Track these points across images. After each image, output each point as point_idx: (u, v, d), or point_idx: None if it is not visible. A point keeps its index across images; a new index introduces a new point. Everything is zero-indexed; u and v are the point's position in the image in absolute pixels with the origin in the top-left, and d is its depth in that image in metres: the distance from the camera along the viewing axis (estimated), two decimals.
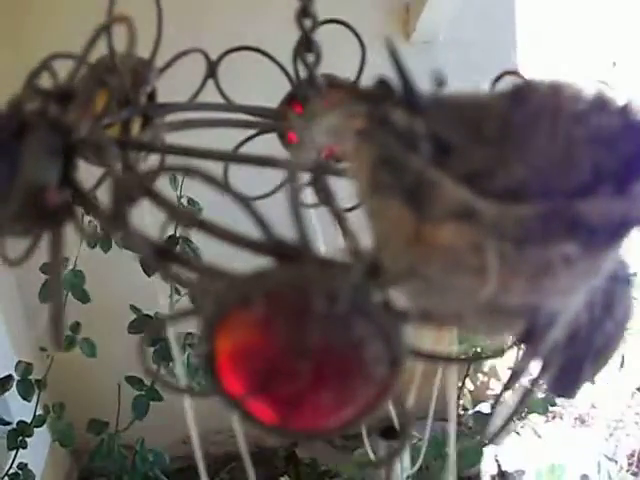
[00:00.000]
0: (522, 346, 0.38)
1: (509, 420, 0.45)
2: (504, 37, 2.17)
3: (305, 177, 0.58)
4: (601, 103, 0.36)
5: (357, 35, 0.62)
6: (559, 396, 0.45)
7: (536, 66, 2.15)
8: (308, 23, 0.50)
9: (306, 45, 0.50)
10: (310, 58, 0.51)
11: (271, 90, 0.67)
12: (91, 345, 1.95)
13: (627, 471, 2.41)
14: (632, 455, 2.44)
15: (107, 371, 2.16)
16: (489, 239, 0.33)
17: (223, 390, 0.37)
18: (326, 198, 0.48)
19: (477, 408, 2.40)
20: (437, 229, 0.34)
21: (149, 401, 1.97)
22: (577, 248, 0.34)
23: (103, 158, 0.40)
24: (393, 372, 0.36)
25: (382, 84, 0.36)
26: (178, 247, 1.70)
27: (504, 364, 2.43)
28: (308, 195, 0.55)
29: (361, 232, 0.42)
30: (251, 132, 0.67)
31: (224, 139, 0.69)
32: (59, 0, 2.13)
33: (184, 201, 1.80)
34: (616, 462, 2.38)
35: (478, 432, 1.90)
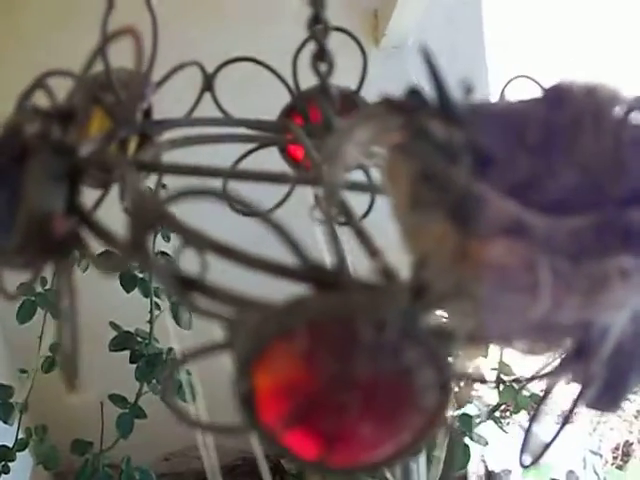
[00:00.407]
0: (568, 364, 0.36)
1: (551, 443, 0.43)
2: (472, 40, 2.17)
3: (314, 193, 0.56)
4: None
5: (359, 44, 0.60)
6: (601, 411, 0.43)
7: (505, 69, 2.15)
8: (320, 31, 0.48)
9: (319, 53, 0.48)
10: (323, 67, 0.49)
11: (269, 102, 0.64)
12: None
13: (612, 464, 2.41)
14: (616, 448, 2.45)
15: (89, 390, 2.12)
16: (541, 255, 0.31)
17: (261, 426, 0.35)
18: (345, 214, 0.45)
19: (463, 410, 2.39)
20: (485, 246, 0.32)
21: (133, 419, 1.94)
22: (633, 259, 0.32)
23: (118, 180, 0.38)
24: (443, 398, 0.34)
25: (414, 94, 0.34)
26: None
27: (487, 364, 2.42)
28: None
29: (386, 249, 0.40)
30: (250, 146, 0.64)
31: (218, 153, 0.66)
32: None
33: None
34: (601, 456, 2.38)
35: (464, 434, 1.88)
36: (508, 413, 2.10)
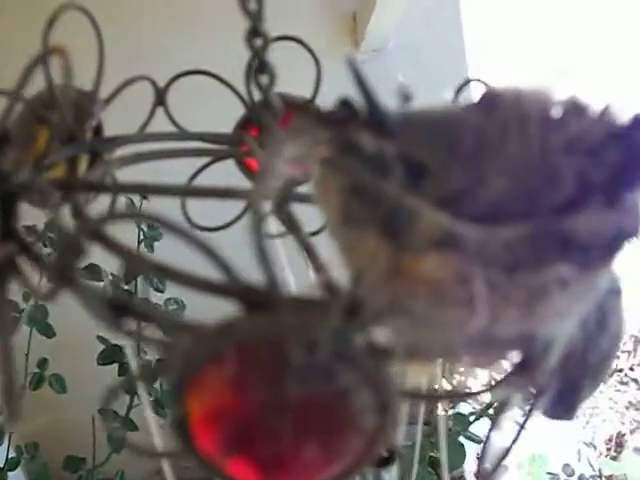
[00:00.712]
0: (515, 375, 0.35)
1: (504, 457, 0.42)
2: (452, 41, 2.16)
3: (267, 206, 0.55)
4: (576, 108, 0.34)
5: (311, 52, 0.59)
6: (557, 419, 0.43)
7: (485, 69, 2.15)
8: (259, 43, 0.46)
9: (259, 66, 0.47)
10: (264, 80, 0.48)
11: (226, 114, 0.63)
12: (60, 380, 1.91)
13: (606, 456, 2.42)
14: (610, 440, 2.45)
15: (79, 405, 2.11)
16: (475, 267, 0.30)
17: (198, 453, 0.33)
18: (292, 227, 0.44)
19: (456, 409, 2.38)
20: (418, 260, 0.31)
21: (125, 432, 1.92)
22: (572, 269, 0.31)
23: (46, 204, 0.37)
24: (383, 421, 0.33)
25: (344, 104, 0.33)
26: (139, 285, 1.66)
27: None
28: (272, 224, 0.52)
29: (332, 263, 0.39)
30: (207, 160, 0.63)
31: (181, 168, 0.65)
32: None
33: (144, 227, 1.77)
34: (595, 448, 2.38)
35: (459, 433, 1.87)
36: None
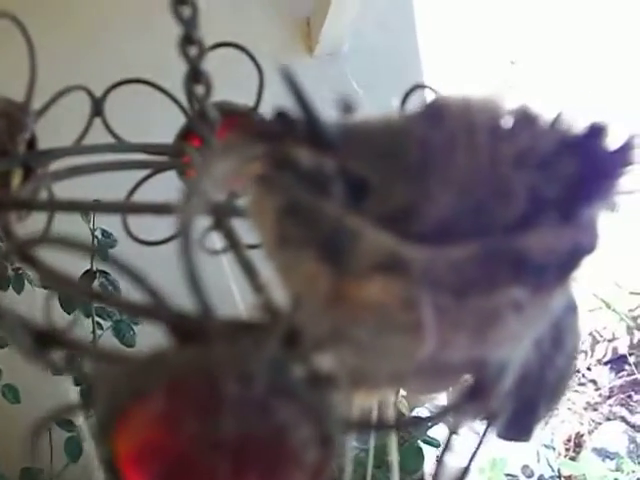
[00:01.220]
0: (467, 401, 0.33)
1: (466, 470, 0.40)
2: (406, 43, 2.16)
3: (208, 221, 0.52)
4: (527, 118, 0.32)
5: (253, 58, 0.57)
6: (512, 441, 0.41)
7: (439, 71, 2.14)
8: (195, 51, 0.44)
9: (194, 76, 0.44)
10: (200, 89, 0.45)
11: (170, 124, 0.61)
12: (14, 390, 1.87)
13: (565, 456, 2.43)
14: (568, 440, 2.46)
15: (34, 416, 2.06)
16: (422, 291, 0.28)
17: None
18: (232, 243, 0.42)
19: (414, 413, 2.38)
20: (360, 285, 0.28)
21: (81, 442, 1.88)
22: (526, 290, 0.29)
23: None
24: (326, 453, 0.30)
25: (281, 117, 0.31)
26: (97, 281, 1.63)
27: None
28: (215, 240, 0.49)
29: (273, 283, 0.36)
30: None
31: (124, 180, 0.63)
32: None
33: (98, 234, 1.73)
34: (554, 449, 2.39)
35: (418, 437, 1.86)
36: None
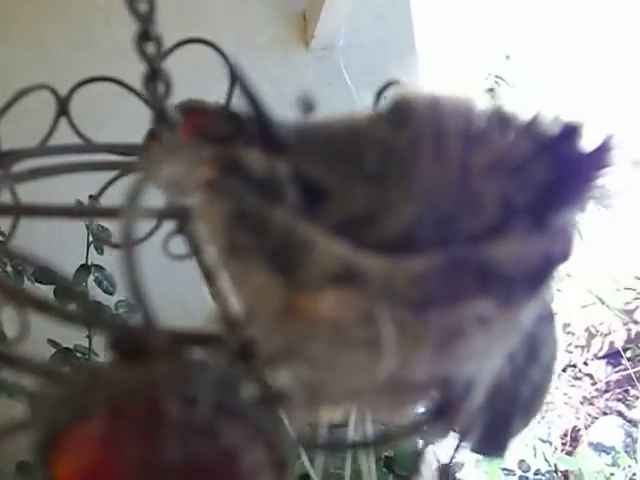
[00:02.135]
0: (434, 419, 0.31)
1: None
2: (402, 38, 2.14)
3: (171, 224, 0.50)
4: (501, 121, 0.29)
5: (223, 55, 0.55)
6: (486, 456, 0.39)
7: (436, 64, 2.13)
8: (152, 48, 0.42)
9: (152, 74, 0.42)
10: (160, 89, 0.43)
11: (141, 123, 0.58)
12: (11, 385, 1.86)
13: (562, 451, 2.42)
14: (565, 435, 2.45)
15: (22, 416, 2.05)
16: (380, 305, 0.26)
17: None
18: (194, 249, 0.40)
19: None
20: (314, 298, 0.27)
21: None
22: (492, 303, 0.27)
23: None
24: (279, 478, 0.28)
25: (232, 117, 0.29)
26: (92, 276, 1.62)
27: None
28: (179, 244, 0.47)
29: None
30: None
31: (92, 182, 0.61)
32: None
33: (93, 228, 1.72)
34: (550, 443, 2.38)
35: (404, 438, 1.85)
36: None
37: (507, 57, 2.03)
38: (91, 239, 1.74)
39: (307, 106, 0.31)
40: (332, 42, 2.07)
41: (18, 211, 0.49)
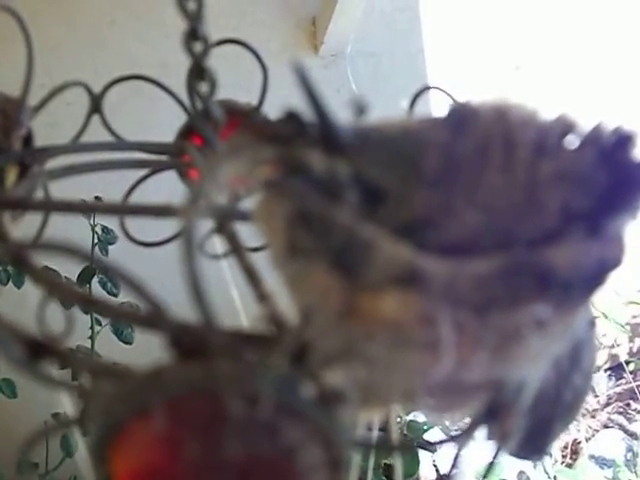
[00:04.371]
0: (483, 422, 0.31)
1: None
2: (411, 46, 2.14)
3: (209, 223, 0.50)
4: (563, 128, 0.30)
5: (257, 56, 0.55)
6: (525, 460, 0.39)
7: (444, 74, 2.13)
8: (199, 47, 0.42)
9: (198, 72, 0.42)
10: (204, 87, 0.43)
11: (173, 122, 0.59)
12: (11, 385, 1.85)
13: (562, 463, 2.41)
14: (565, 447, 2.45)
15: (31, 410, 2.05)
16: (441, 307, 0.26)
17: None
18: (234, 248, 0.40)
19: (411, 416, 2.36)
20: (375, 299, 0.27)
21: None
22: (550, 307, 0.27)
23: None
24: (335, 477, 0.28)
25: (292, 118, 0.29)
26: (96, 278, 1.62)
27: None
28: (216, 244, 0.47)
29: (279, 291, 0.34)
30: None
31: (129, 178, 0.61)
32: None
33: (98, 230, 1.72)
34: (551, 456, 2.38)
35: (414, 440, 1.85)
36: None
37: (517, 67, 2.03)
38: (96, 240, 1.75)
39: (360, 108, 0.31)
40: (341, 49, 2.08)
41: (52, 207, 0.49)
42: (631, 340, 2.49)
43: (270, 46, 1.95)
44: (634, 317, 2.41)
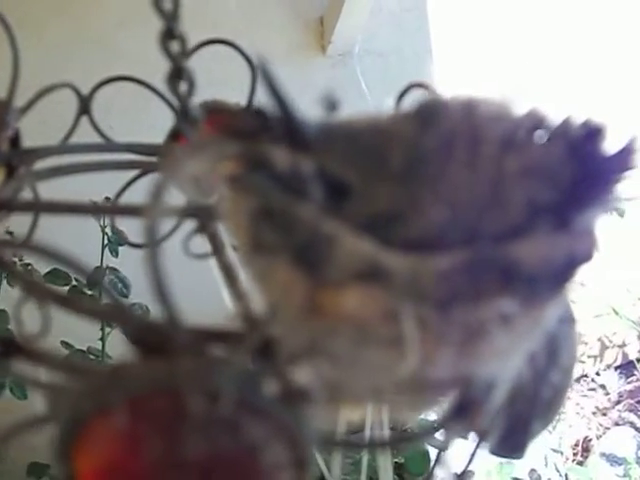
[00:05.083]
0: (454, 419, 0.31)
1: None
2: (419, 45, 2.13)
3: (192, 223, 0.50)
4: (533, 122, 0.29)
5: (245, 55, 0.55)
6: (505, 457, 0.38)
7: (453, 74, 2.13)
8: (176, 47, 0.42)
9: (175, 72, 0.42)
10: (183, 87, 0.43)
11: (165, 124, 0.59)
12: (21, 387, 1.87)
13: (573, 461, 2.41)
14: (576, 445, 2.44)
15: (41, 412, 2.05)
16: (404, 303, 0.26)
17: None
18: (216, 248, 0.40)
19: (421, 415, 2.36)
20: (338, 294, 0.26)
21: None
22: (515, 303, 0.27)
23: None
24: (299, 476, 0.28)
25: (258, 114, 0.29)
26: (106, 279, 1.62)
27: None
28: (199, 243, 0.47)
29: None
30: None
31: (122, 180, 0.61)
32: None
33: (108, 231, 1.72)
34: (562, 453, 2.37)
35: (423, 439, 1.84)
36: None
37: (524, 66, 2.02)
38: (106, 241, 1.75)
39: (331, 105, 0.31)
40: (349, 48, 2.07)
41: (38, 208, 0.49)
42: None
43: (278, 47, 1.95)
44: None
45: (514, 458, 0.38)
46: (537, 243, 0.28)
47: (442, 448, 0.34)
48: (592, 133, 0.30)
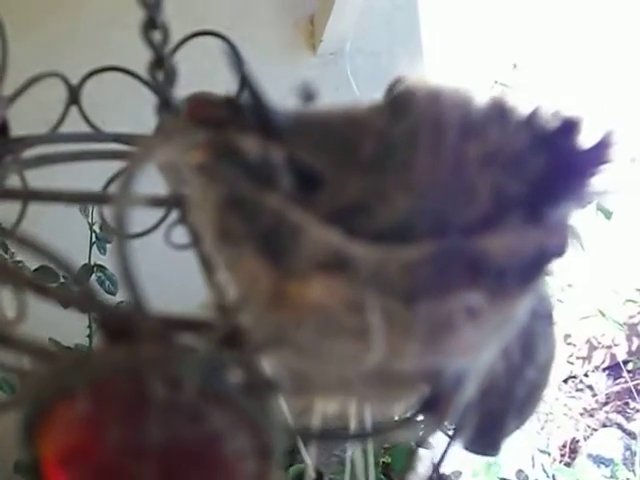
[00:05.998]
0: (423, 413, 0.31)
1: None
2: (409, 44, 2.14)
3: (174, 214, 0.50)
4: (499, 112, 0.29)
5: (233, 47, 0.54)
6: (479, 455, 0.38)
7: (443, 71, 2.13)
8: (158, 36, 0.41)
9: (157, 63, 0.42)
10: (162, 77, 0.43)
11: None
12: (9, 382, 1.86)
13: (560, 462, 2.41)
14: (564, 446, 2.44)
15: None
16: (369, 294, 0.26)
17: None
18: (195, 238, 0.40)
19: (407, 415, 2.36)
20: (303, 285, 0.26)
21: None
22: (483, 296, 0.27)
23: None
24: (264, 465, 0.28)
25: (228, 103, 0.29)
26: (94, 276, 1.62)
27: None
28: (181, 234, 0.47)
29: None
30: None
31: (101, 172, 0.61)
32: None
33: (96, 228, 1.71)
34: (549, 454, 2.37)
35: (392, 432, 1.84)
36: None
37: (514, 65, 2.02)
38: (94, 239, 1.75)
39: (307, 95, 0.31)
40: (340, 47, 2.07)
41: (25, 196, 0.49)
42: (629, 339, 2.48)
43: (268, 45, 1.94)
44: (631, 316, 2.40)
45: (489, 455, 0.38)
46: (506, 236, 0.28)
47: (419, 444, 0.34)
48: (566, 126, 0.29)
